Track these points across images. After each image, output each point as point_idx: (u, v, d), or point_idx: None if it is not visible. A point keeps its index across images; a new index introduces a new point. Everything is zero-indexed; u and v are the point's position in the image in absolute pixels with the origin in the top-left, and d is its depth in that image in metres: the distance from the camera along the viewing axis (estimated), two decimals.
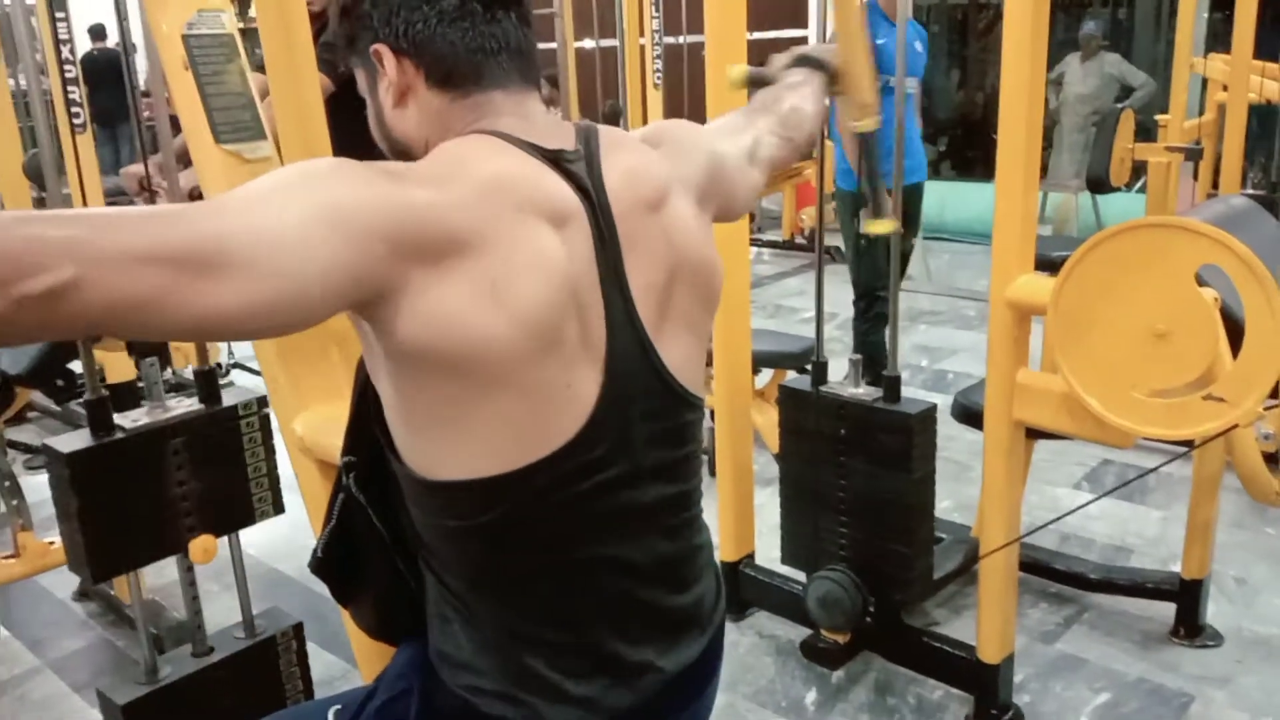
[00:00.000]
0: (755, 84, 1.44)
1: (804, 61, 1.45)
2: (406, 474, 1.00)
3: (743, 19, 2.42)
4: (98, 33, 9.03)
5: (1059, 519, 2.59)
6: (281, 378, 1.53)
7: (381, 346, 0.92)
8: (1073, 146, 6.88)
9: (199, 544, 1.62)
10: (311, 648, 1.92)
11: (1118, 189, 3.90)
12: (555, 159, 0.98)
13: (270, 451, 1.71)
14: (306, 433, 1.51)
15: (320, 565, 1.16)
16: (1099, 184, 3.71)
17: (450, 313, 0.87)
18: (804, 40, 7.86)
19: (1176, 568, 2.55)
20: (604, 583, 1.03)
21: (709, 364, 2.70)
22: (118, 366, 3.96)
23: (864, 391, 2.30)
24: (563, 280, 0.92)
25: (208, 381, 1.65)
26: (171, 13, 1.38)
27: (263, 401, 1.67)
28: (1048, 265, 2.09)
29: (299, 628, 1.87)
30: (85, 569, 1.57)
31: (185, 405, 1.65)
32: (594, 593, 1.03)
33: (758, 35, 7.79)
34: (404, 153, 1.04)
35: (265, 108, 1.48)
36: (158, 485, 1.59)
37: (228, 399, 1.69)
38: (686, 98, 5.60)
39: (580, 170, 0.99)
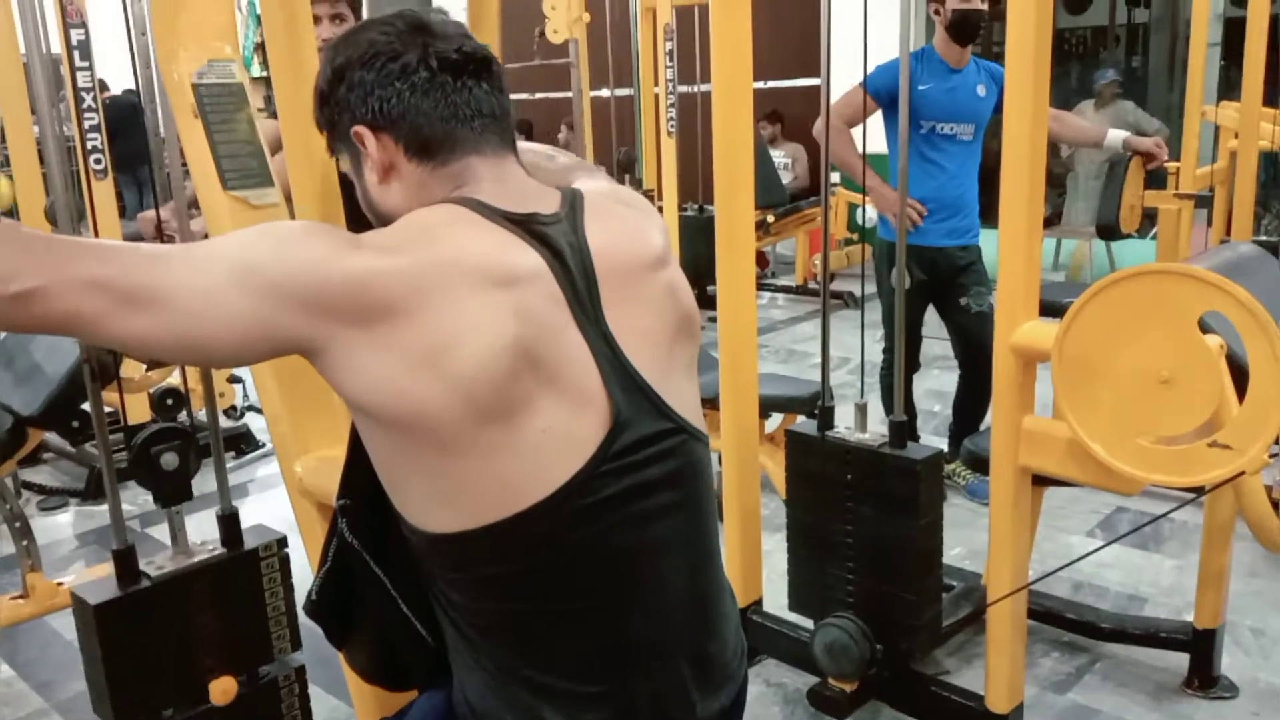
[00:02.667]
0: None
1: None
2: (406, 525, 1.01)
3: (748, 66, 2.45)
4: (101, 85, 9.18)
5: (1068, 565, 2.57)
6: (284, 419, 1.54)
7: (342, 398, 0.96)
8: (1088, 194, 6.89)
9: (219, 685, 1.65)
10: (314, 691, 1.91)
11: (1128, 236, 3.90)
12: (523, 222, 1.01)
13: (289, 590, 1.74)
14: (306, 475, 1.52)
15: (314, 608, 1.16)
16: (1109, 231, 3.72)
17: (384, 377, 0.91)
18: (819, 90, 7.94)
19: (1190, 617, 2.52)
20: (624, 629, 1.03)
21: (715, 407, 2.71)
22: (138, 408, 4.00)
23: (870, 437, 2.29)
24: (509, 342, 0.94)
25: (229, 525, 1.69)
26: (182, 62, 1.41)
27: (282, 542, 1.72)
28: (1058, 311, 2.09)
29: (301, 670, 1.87)
30: (109, 714, 1.59)
31: (208, 550, 1.68)
32: (614, 640, 1.02)
33: (773, 84, 7.88)
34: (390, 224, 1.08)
35: (276, 161, 1.51)
36: (180, 630, 1.63)
37: (249, 541, 1.72)
38: (700, 146, 5.65)
39: (555, 232, 1.02)
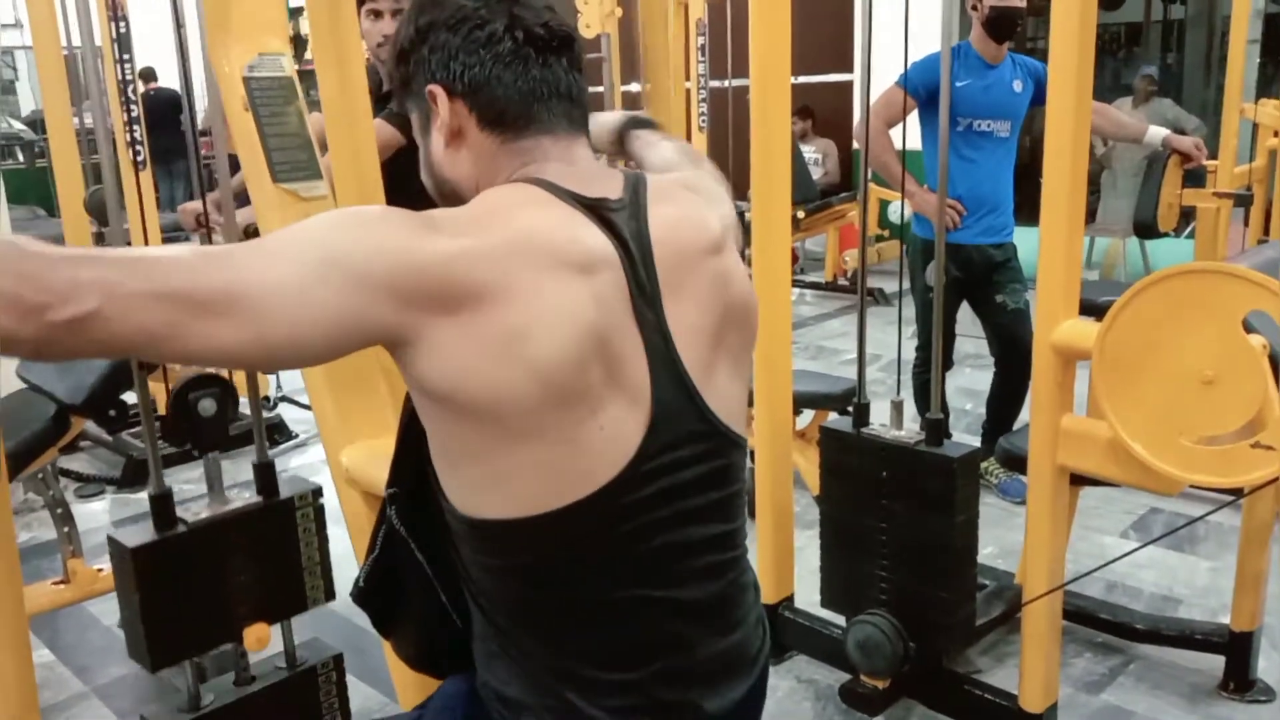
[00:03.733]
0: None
1: (636, 123, 1.45)
2: (450, 510, 1.02)
3: (787, 63, 2.44)
4: (148, 75, 9.29)
5: (1104, 566, 2.55)
6: (330, 410, 1.56)
7: (412, 386, 0.95)
8: (1125, 191, 6.83)
9: (253, 632, 1.67)
10: (350, 680, 1.93)
11: (1165, 234, 3.86)
12: (594, 207, 1.00)
13: (324, 540, 1.76)
14: (352, 464, 1.53)
15: (362, 595, 1.17)
16: (1146, 229, 3.69)
17: (467, 364, 0.90)
18: (849, 85, 7.91)
19: (1226, 619, 2.50)
20: (650, 622, 1.04)
21: (749, 404, 2.71)
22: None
23: (906, 434, 2.29)
24: (586, 329, 0.93)
25: (266, 474, 1.71)
26: (234, 55, 1.43)
27: (317, 493, 1.73)
28: (1094, 310, 2.08)
29: (339, 659, 1.89)
30: (145, 658, 1.61)
31: (244, 498, 1.70)
32: (639, 632, 1.03)
33: (803, 79, 7.85)
34: (452, 194, 1.07)
35: (325, 160, 1.52)
36: (216, 576, 1.65)
37: (285, 491, 1.73)
38: (731, 141, 5.64)
39: (620, 219, 1.01)
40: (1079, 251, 2.02)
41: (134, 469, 4.02)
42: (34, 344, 0.78)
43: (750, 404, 2.66)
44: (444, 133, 1.04)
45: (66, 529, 2.67)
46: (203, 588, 1.63)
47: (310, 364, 0.94)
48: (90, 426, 4.25)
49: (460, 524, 1.01)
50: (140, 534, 1.60)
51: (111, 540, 1.62)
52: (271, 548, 1.69)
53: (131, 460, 4.08)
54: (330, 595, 1.77)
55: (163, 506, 1.62)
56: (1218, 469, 1.73)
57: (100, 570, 2.63)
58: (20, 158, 10.67)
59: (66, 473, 4.18)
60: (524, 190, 1.00)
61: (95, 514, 3.95)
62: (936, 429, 2.24)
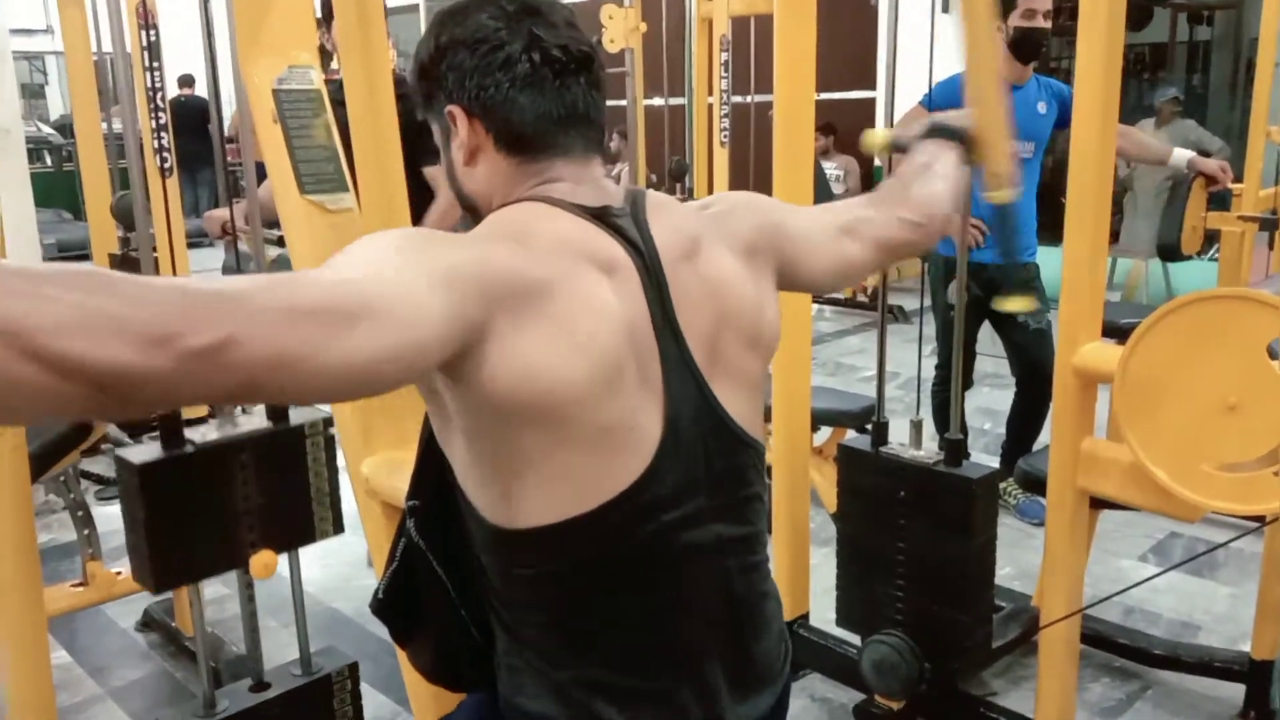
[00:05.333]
0: (896, 150, 1.45)
1: (939, 131, 1.43)
2: (481, 524, 1.02)
3: (812, 80, 2.45)
4: (186, 81, 9.39)
5: (1124, 591, 2.53)
6: (352, 420, 1.57)
7: (460, 404, 0.96)
8: (1148, 213, 6.80)
9: (260, 559, 1.64)
10: (365, 688, 1.94)
11: (1189, 257, 3.84)
12: (600, 215, 1.03)
13: (334, 472, 1.73)
14: (373, 475, 1.54)
15: (381, 606, 1.18)
16: (1170, 252, 3.67)
17: (532, 358, 0.91)
18: (872, 102, 7.90)
19: (1247, 647, 2.47)
20: (675, 627, 1.05)
21: (766, 420, 2.71)
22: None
23: (925, 454, 2.28)
24: (621, 324, 0.97)
25: None
26: (263, 67, 1.45)
27: (328, 422, 1.71)
28: (1116, 332, 2.07)
29: (354, 667, 1.90)
30: (149, 578, 1.59)
31: (253, 422, 1.68)
32: (665, 638, 1.04)
33: (825, 96, 7.86)
34: (471, 207, 1.10)
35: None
36: (223, 499, 1.62)
37: (295, 418, 1.72)
38: (753, 156, 5.65)
39: (625, 224, 1.04)
40: (1103, 274, 2.02)
41: None
42: (165, 383, 0.66)
43: (767, 419, 2.66)
44: (462, 151, 1.07)
45: (86, 531, 2.69)
46: (209, 510, 1.61)
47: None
48: (112, 430, 4.29)
49: (492, 536, 1.02)
50: (147, 452, 1.59)
51: (118, 458, 1.60)
52: (280, 474, 1.67)
53: None
54: (339, 528, 1.74)
55: (171, 426, 1.59)
56: (1240, 496, 1.71)
57: (119, 574, 2.64)
58: (48, 161, 10.79)
59: (88, 475, 4.21)
60: (533, 208, 1.03)
61: (114, 517, 3.94)
62: (956, 449, 2.23)
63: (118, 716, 2.60)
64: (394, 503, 1.44)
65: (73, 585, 2.67)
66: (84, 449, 3.78)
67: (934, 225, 1.33)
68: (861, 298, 7.16)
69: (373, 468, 1.55)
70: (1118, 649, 2.67)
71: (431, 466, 1.08)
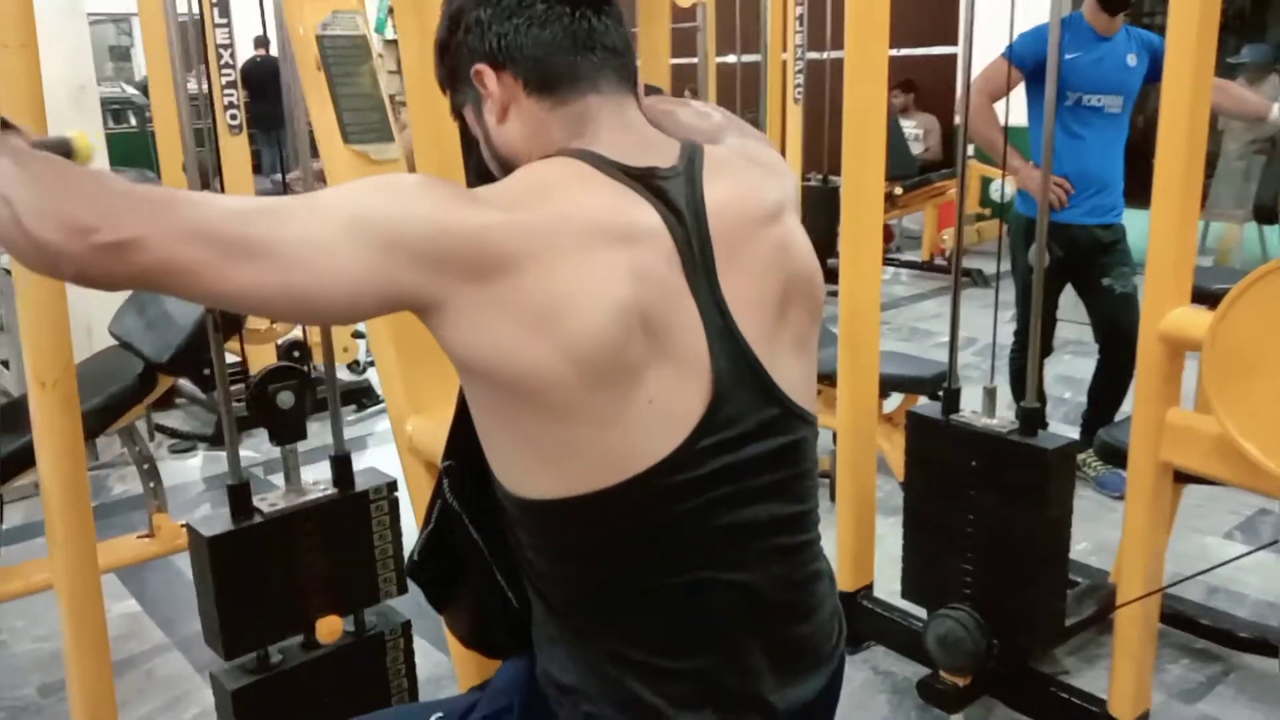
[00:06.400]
0: None
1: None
2: (502, 490, 0.98)
3: (885, 33, 2.34)
4: (261, 42, 9.47)
5: (1208, 571, 2.41)
6: (397, 377, 1.54)
7: (457, 366, 0.93)
8: (1232, 175, 6.49)
9: (325, 624, 1.69)
10: (421, 645, 1.92)
11: None
12: (643, 177, 0.97)
13: (397, 534, 1.76)
14: (416, 434, 1.51)
15: (415, 569, 1.15)
16: (1267, 214, 3.47)
17: (495, 336, 0.88)
18: (953, 59, 7.66)
19: None
20: (713, 606, 0.99)
21: (831, 384, 2.63)
22: (265, 359, 4.13)
23: (998, 422, 2.18)
24: (625, 305, 0.90)
25: (341, 467, 1.72)
26: (307, 13, 1.40)
27: (392, 486, 1.74)
28: (1206, 298, 1.94)
29: (407, 626, 1.88)
30: (219, 645, 1.64)
31: (320, 490, 1.71)
32: (702, 617, 0.99)
33: (905, 52, 7.63)
34: (511, 170, 1.04)
35: (405, 138, 1.50)
36: (289, 567, 1.67)
37: (360, 483, 1.74)
38: (828, 114, 5.51)
39: (673, 187, 0.98)
40: (1193, 236, 1.89)
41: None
42: (77, 264, 0.82)
43: (833, 385, 2.58)
44: (495, 110, 1.02)
45: (152, 484, 2.73)
46: (276, 578, 1.66)
47: (337, 321, 0.98)
48: (185, 384, 4.37)
49: (512, 505, 0.98)
50: (217, 523, 1.63)
51: (190, 529, 1.66)
52: (345, 540, 1.71)
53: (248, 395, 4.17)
54: (403, 589, 1.79)
55: (240, 496, 1.64)
56: None
57: (185, 525, 2.67)
58: (133, 122, 11.02)
59: (162, 429, 4.30)
60: (568, 165, 0.97)
61: (189, 469, 4.06)
62: (1031, 418, 2.13)
63: (181, 665, 2.64)
64: (436, 462, 1.41)
65: (139, 536, 2.71)
66: (156, 402, 3.87)
67: None
68: (940, 261, 6.97)
69: (417, 426, 1.52)
70: (1199, 630, 2.55)
71: (467, 427, 1.04)
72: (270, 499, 1.68)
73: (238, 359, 4.25)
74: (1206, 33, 1.78)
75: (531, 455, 0.94)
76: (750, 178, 1.06)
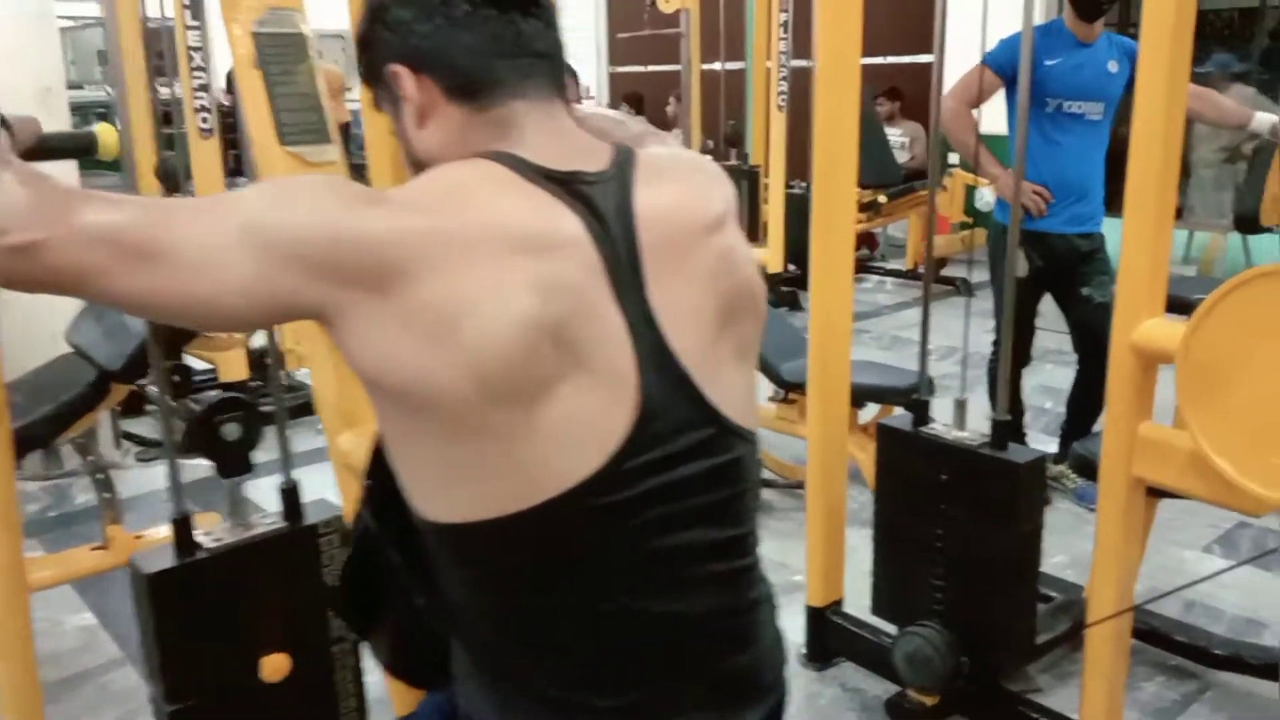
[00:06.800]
0: None
1: None
2: (416, 514, 0.93)
3: (856, 43, 2.30)
4: None
5: (1185, 588, 2.36)
6: (331, 390, 1.48)
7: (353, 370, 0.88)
8: (1201, 184, 6.50)
9: (271, 662, 1.61)
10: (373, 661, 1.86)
11: (1268, 230, 3.60)
12: (566, 181, 0.91)
13: None
14: (352, 450, 1.45)
15: (335, 594, 1.09)
16: (1248, 224, 3.44)
17: (393, 349, 0.83)
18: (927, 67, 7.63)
19: None
20: (643, 638, 0.93)
21: (800, 394, 2.58)
22: (233, 367, 4.06)
23: (969, 435, 2.14)
24: (532, 317, 0.84)
25: (290, 499, 1.65)
26: (243, 10, 1.35)
27: (342, 518, 1.67)
28: (1187, 308, 1.90)
29: (356, 643, 1.82)
30: (160, 687, 1.57)
31: (267, 523, 1.65)
32: (631, 650, 0.93)
33: (892, 60, 7.60)
34: None
35: (334, 107, 1.44)
36: (235, 605, 1.60)
37: (311, 516, 1.67)
38: (811, 122, 5.47)
39: (599, 193, 0.92)
40: (1167, 244, 1.84)
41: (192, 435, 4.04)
42: None
43: (800, 394, 2.53)
44: (414, 115, 0.96)
45: (107, 495, 2.66)
46: (221, 616, 1.59)
47: (231, 327, 0.96)
48: (155, 391, 4.30)
49: (426, 529, 0.92)
50: (159, 559, 1.56)
51: (131, 564, 1.58)
52: (294, 575, 1.64)
53: (190, 425, 4.09)
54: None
55: (182, 530, 1.57)
56: None
57: (139, 536, 2.61)
58: (119, 124, 10.93)
59: (130, 436, 4.23)
60: (483, 167, 0.91)
61: (156, 478, 3.97)
62: (1002, 431, 2.09)
63: (135, 680, 2.56)
64: None
65: (93, 548, 2.65)
66: (123, 409, 3.79)
67: None
68: (923, 269, 6.93)
69: (352, 442, 1.46)
70: (1174, 646, 2.50)
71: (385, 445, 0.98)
72: (215, 533, 1.62)
73: (211, 366, 4.19)
74: (1182, 36, 1.73)
75: (441, 474, 0.88)
76: (695, 184, 1.01)
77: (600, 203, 0.91)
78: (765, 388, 3.72)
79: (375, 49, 0.97)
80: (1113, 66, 3.16)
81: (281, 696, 1.73)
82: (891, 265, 7.33)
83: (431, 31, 0.93)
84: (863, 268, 6.90)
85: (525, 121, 0.94)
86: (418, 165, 0.99)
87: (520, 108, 0.94)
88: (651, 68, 8.96)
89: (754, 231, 5.87)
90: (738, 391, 0.97)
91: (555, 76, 0.97)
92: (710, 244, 0.96)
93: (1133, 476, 1.86)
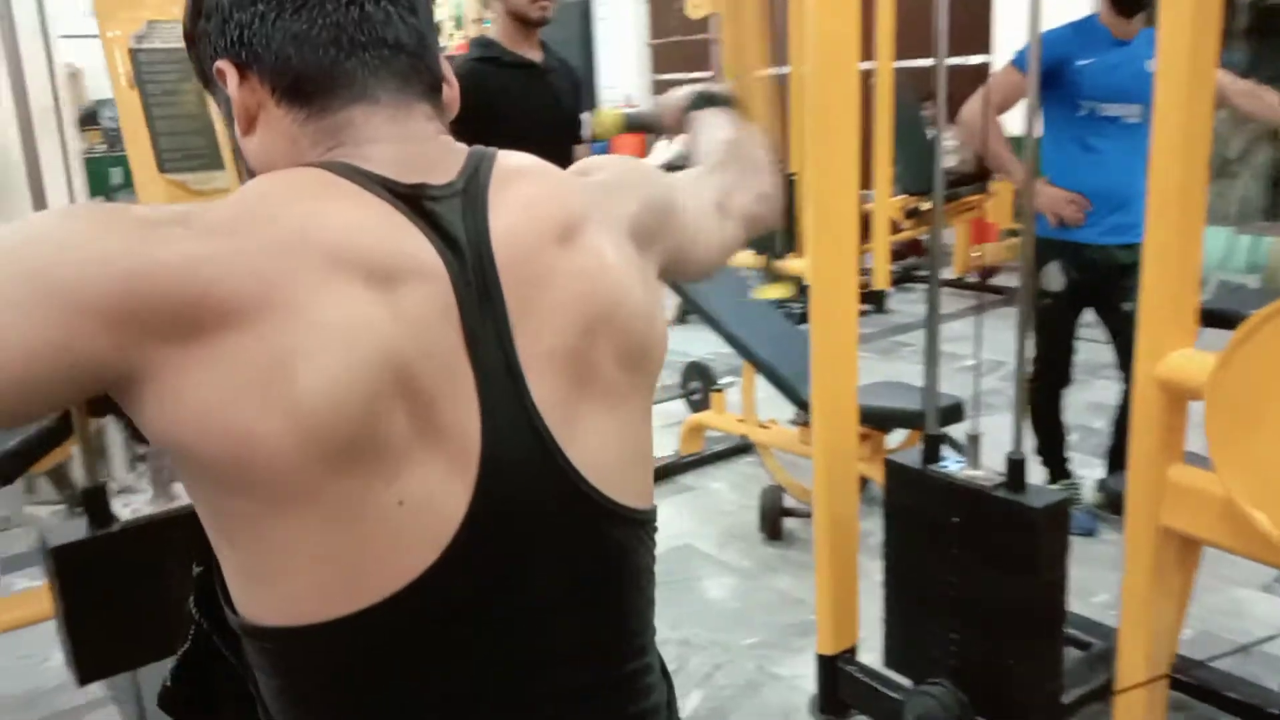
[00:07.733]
0: (637, 129, 1.35)
1: (706, 100, 1.28)
2: (229, 611, 0.77)
3: (854, 47, 2.12)
4: None
5: (1239, 650, 2.11)
6: None
7: (154, 440, 0.70)
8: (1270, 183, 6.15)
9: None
10: None
11: None
12: (410, 196, 0.74)
13: None
14: None
15: (166, 696, 0.93)
16: None
17: (208, 405, 0.65)
18: (987, 69, 7.35)
19: None
20: None
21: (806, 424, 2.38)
22: None
23: (982, 474, 1.93)
24: (380, 360, 0.67)
25: None
26: (120, 21, 1.21)
27: None
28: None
29: None
30: (73, 666, 1.47)
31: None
32: None
33: (905, 63, 7.33)
34: None
35: None
36: (154, 582, 1.46)
37: None
38: (863, 128, 5.28)
39: (448, 209, 0.75)
40: (1196, 263, 1.63)
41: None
42: None
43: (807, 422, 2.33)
44: (240, 118, 0.79)
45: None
46: (139, 593, 1.48)
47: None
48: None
49: (241, 631, 0.77)
50: (70, 531, 1.48)
51: (40, 537, 1.50)
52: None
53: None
54: None
55: (96, 501, 1.47)
56: None
57: None
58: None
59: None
60: (307, 175, 0.74)
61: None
62: (1018, 471, 1.88)
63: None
64: None
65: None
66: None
67: (777, 200, 1.15)
68: (971, 278, 6.66)
69: None
70: (1226, 704, 2.25)
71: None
72: (135, 503, 1.53)
73: None
74: (1205, 20, 1.53)
75: (257, 565, 0.73)
76: (548, 184, 0.83)
77: (449, 223, 0.74)
78: (786, 410, 3.53)
79: (200, 44, 0.81)
80: (1150, 66, 2.92)
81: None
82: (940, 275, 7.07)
83: (252, 19, 0.76)
84: (910, 277, 6.65)
85: (366, 126, 0.77)
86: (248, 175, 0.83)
87: (362, 114, 0.77)
88: (680, 75, 8.83)
89: (792, 242, 5.68)
90: (608, 454, 0.79)
91: (416, 73, 0.80)
92: (564, 255, 0.78)
93: (1160, 526, 1.65)
